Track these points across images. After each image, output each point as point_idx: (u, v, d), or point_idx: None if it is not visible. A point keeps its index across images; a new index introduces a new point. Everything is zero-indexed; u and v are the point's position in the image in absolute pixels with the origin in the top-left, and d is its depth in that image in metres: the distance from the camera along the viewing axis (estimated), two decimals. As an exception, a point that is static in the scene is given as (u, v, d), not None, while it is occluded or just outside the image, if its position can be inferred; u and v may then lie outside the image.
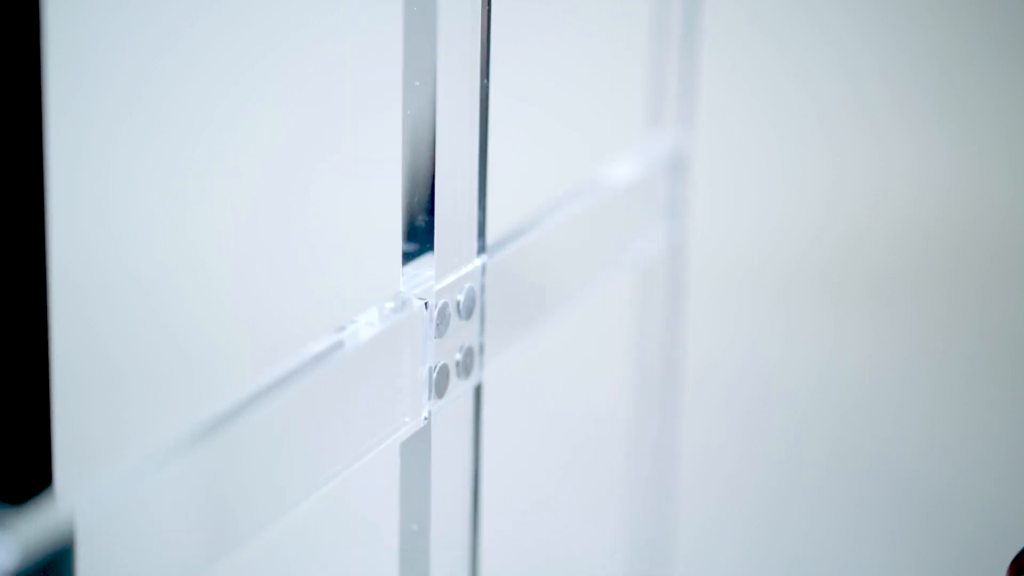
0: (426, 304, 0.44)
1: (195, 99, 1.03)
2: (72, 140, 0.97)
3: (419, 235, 0.45)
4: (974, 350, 1.02)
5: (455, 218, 0.45)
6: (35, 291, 0.33)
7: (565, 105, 1.09)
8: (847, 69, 1.16)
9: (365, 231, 0.84)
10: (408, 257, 0.45)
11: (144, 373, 0.93)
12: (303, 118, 1.04)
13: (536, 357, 0.72)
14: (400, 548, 0.46)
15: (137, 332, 0.96)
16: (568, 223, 0.54)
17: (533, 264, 0.52)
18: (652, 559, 0.70)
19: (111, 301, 0.97)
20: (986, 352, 1.01)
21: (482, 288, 0.47)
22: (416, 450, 0.45)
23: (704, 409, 0.90)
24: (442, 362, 0.45)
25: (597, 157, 0.69)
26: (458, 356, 0.46)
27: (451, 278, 0.45)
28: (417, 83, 0.44)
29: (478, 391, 0.47)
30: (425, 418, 0.45)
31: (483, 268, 0.47)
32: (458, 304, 0.46)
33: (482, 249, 0.47)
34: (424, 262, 0.45)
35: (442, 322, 0.45)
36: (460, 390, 0.46)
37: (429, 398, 0.45)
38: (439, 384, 0.45)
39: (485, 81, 0.46)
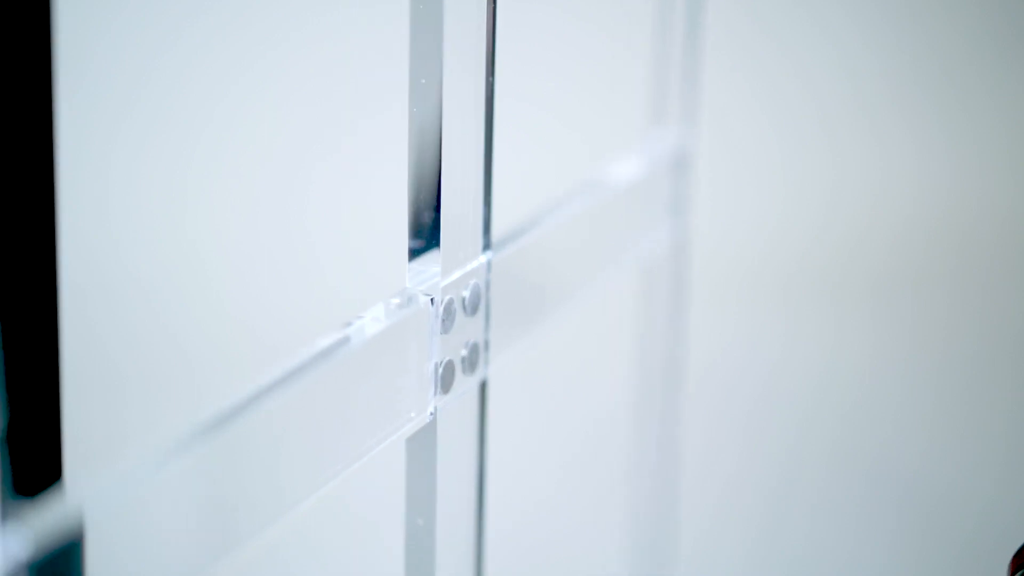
0: (432, 300, 0.44)
1: (201, 97, 1.04)
2: (77, 140, 0.97)
3: (425, 232, 0.45)
4: (974, 350, 1.02)
5: (461, 215, 0.45)
6: (46, 291, 0.33)
7: (568, 103, 1.09)
8: (848, 69, 1.16)
9: (371, 228, 0.84)
10: (414, 253, 0.45)
11: (150, 370, 0.93)
12: (309, 116, 1.04)
13: (539, 354, 0.72)
14: (406, 543, 0.46)
15: (143, 329, 0.96)
16: (572, 221, 0.55)
17: (537, 261, 0.52)
18: (654, 555, 0.71)
19: (117, 299, 0.97)
20: (986, 352, 1.01)
21: (487, 285, 0.47)
22: (422, 445, 0.45)
23: (704, 408, 0.90)
24: (448, 358, 0.45)
25: (600, 155, 0.69)
26: (463, 352, 0.46)
27: (457, 274, 0.46)
28: (423, 81, 0.44)
29: (483, 387, 0.48)
30: (431, 414, 0.45)
31: (488, 265, 0.47)
32: (463, 300, 0.46)
33: (487, 246, 0.47)
34: (430, 258, 0.45)
35: (448, 318, 0.45)
36: (465, 386, 0.47)
37: (435, 394, 0.45)
38: (445, 380, 0.45)
39: (490, 79, 0.46)
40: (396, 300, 0.44)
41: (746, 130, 1.13)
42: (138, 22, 1.02)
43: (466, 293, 0.46)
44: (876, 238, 1.11)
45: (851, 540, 0.82)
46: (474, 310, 0.47)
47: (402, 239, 0.45)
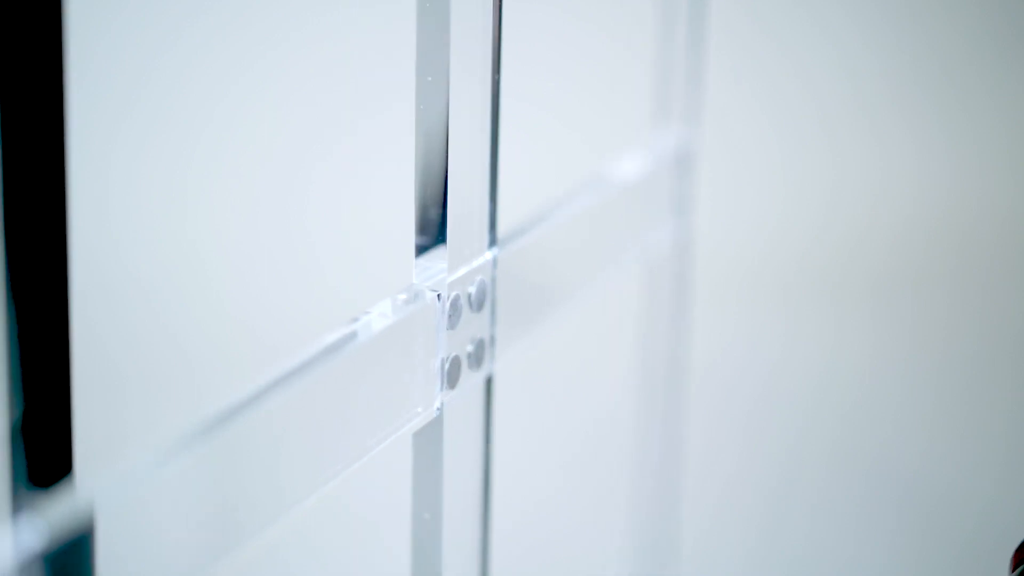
0: (439, 296, 0.45)
1: (206, 96, 1.04)
2: (84, 141, 0.97)
3: (431, 228, 0.45)
4: (974, 350, 1.02)
5: (467, 212, 0.46)
6: (57, 292, 0.33)
7: (572, 102, 1.09)
8: (848, 69, 1.16)
9: (378, 224, 0.85)
10: (421, 250, 0.45)
11: (160, 367, 0.93)
12: (316, 113, 1.04)
13: (544, 350, 0.72)
14: (412, 536, 0.46)
15: (152, 327, 0.96)
16: (576, 219, 0.55)
17: (542, 259, 0.52)
18: (656, 553, 0.71)
19: (124, 297, 0.97)
20: (986, 352, 1.01)
21: (493, 281, 0.47)
22: (428, 440, 0.46)
23: (705, 407, 0.90)
24: (454, 354, 0.46)
25: (604, 154, 0.69)
26: (469, 348, 0.46)
27: (463, 271, 0.46)
28: (430, 78, 0.44)
29: (489, 383, 0.48)
30: (437, 409, 0.45)
31: (494, 261, 0.47)
32: (469, 297, 0.46)
33: (493, 243, 0.47)
34: (436, 255, 0.45)
35: (454, 314, 0.45)
36: (471, 381, 0.47)
37: (441, 389, 0.45)
38: (451, 375, 0.46)
39: (496, 77, 0.46)
40: (403, 296, 0.44)
41: (746, 130, 1.13)
42: (151, 21, 1.02)
43: (472, 289, 0.46)
44: (876, 238, 1.11)
45: (851, 540, 0.83)
46: (480, 306, 0.47)
47: (409, 235, 0.45)
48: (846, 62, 1.16)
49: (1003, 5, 1.16)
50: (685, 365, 0.67)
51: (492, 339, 0.48)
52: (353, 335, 0.42)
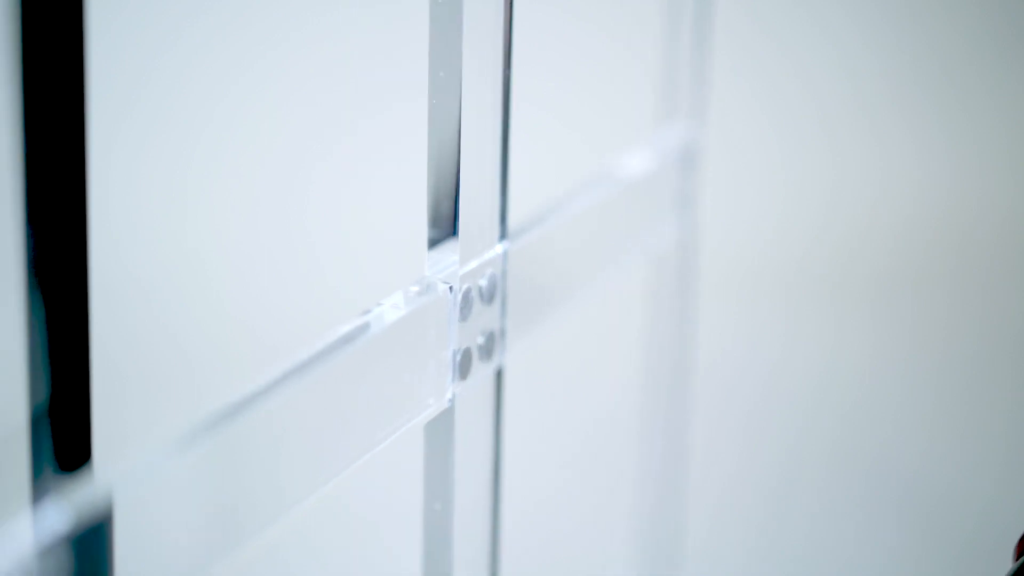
0: (451, 288, 0.45)
1: (223, 93, 1.04)
2: (122, 141, 0.98)
3: (444, 221, 0.45)
4: (974, 350, 1.02)
5: (478, 205, 0.46)
6: (78, 287, 0.34)
7: (579, 99, 1.10)
8: (849, 69, 1.17)
9: (391, 218, 0.85)
10: (433, 243, 0.45)
11: (176, 359, 0.93)
12: (330, 109, 1.05)
13: (552, 343, 0.73)
14: (424, 526, 0.46)
15: (169, 320, 0.97)
16: (583, 214, 0.55)
17: (551, 253, 0.52)
18: (660, 549, 0.71)
19: (143, 292, 0.98)
20: (986, 352, 1.01)
21: (503, 274, 0.48)
22: (440, 431, 0.46)
23: (705, 406, 0.90)
24: (465, 345, 0.46)
25: (610, 150, 0.70)
26: (480, 340, 0.47)
27: (474, 264, 0.46)
28: (442, 74, 0.44)
29: (499, 374, 0.48)
30: (449, 400, 0.46)
31: (505, 255, 0.48)
32: (480, 289, 0.46)
33: (503, 236, 0.48)
34: (448, 248, 0.45)
35: (465, 306, 0.46)
36: (482, 373, 0.47)
37: (453, 380, 0.46)
38: (463, 367, 0.46)
39: (507, 72, 0.46)
40: (415, 288, 0.44)
41: (746, 130, 1.13)
42: (169, 20, 1.03)
43: (483, 282, 0.47)
44: (876, 238, 1.11)
45: (852, 539, 0.83)
46: (491, 299, 0.47)
47: (421, 229, 0.45)
48: (847, 62, 1.16)
49: (1003, 5, 1.16)
50: (690, 360, 0.68)
51: (503, 331, 0.48)
52: (366, 327, 0.42)
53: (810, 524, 0.84)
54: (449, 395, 0.46)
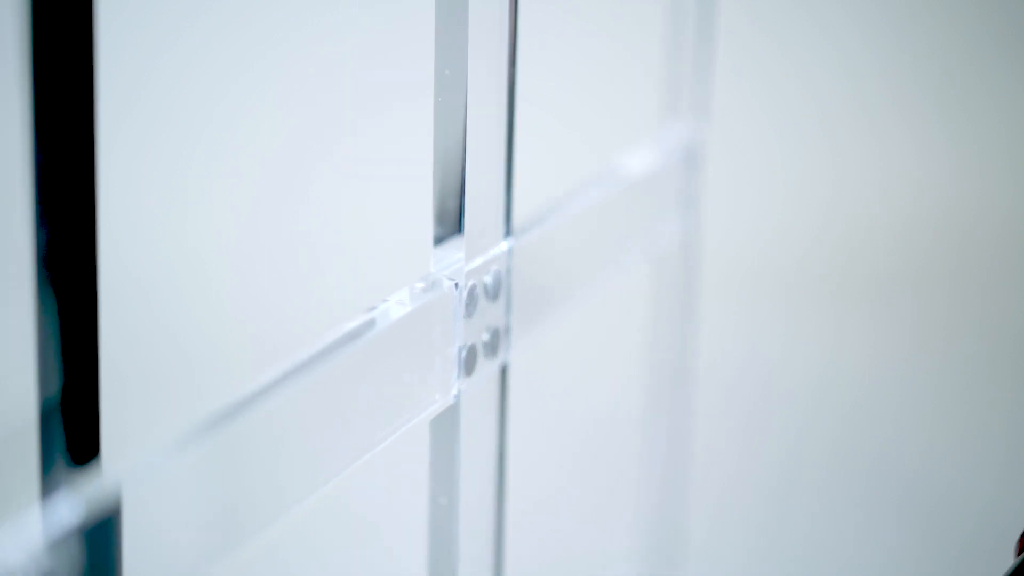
0: (456, 285, 0.45)
1: (227, 90, 1.05)
2: (130, 141, 0.98)
3: (449, 218, 0.45)
4: (974, 350, 1.02)
5: (483, 202, 0.46)
6: (88, 285, 0.34)
7: (583, 97, 1.10)
8: (849, 69, 1.17)
9: (397, 214, 0.85)
10: (438, 239, 0.45)
11: (183, 354, 0.94)
12: (336, 106, 1.05)
13: (556, 340, 0.73)
14: (429, 521, 0.47)
15: (177, 316, 0.97)
16: (587, 211, 0.55)
17: (555, 250, 0.52)
18: (663, 546, 0.71)
19: (149, 289, 0.98)
20: (986, 352, 1.02)
21: (508, 271, 0.48)
22: (445, 427, 0.46)
23: (706, 406, 0.90)
24: (471, 342, 0.46)
25: (613, 148, 0.70)
26: (485, 336, 0.47)
27: (479, 260, 0.46)
28: (448, 72, 0.44)
29: (504, 371, 0.48)
30: (454, 396, 0.46)
31: (510, 252, 0.48)
32: (486, 286, 0.47)
33: (508, 233, 0.48)
34: (454, 244, 0.45)
35: (471, 303, 0.46)
36: (487, 370, 0.47)
37: (458, 377, 0.46)
38: (468, 363, 0.46)
39: (512, 70, 0.46)
40: (421, 284, 0.44)
41: (748, 130, 1.13)
42: (178, 20, 1.03)
43: (488, 279, 0.47)
44: (877, 238, 1.11)
45: (852, 538, 0.83)
46: (496, 296, 0.47)
47: (427, 226, 0.45)
48: (848, 62, 1.16)
49: (1003, 5, 1.17)
50: (692, 358, 0.68)
51: (508, 328, 0.48)
52: (372, 323, 0.42)
53: (810, 524, 0.84)
54: (454, 391, 0.46)
